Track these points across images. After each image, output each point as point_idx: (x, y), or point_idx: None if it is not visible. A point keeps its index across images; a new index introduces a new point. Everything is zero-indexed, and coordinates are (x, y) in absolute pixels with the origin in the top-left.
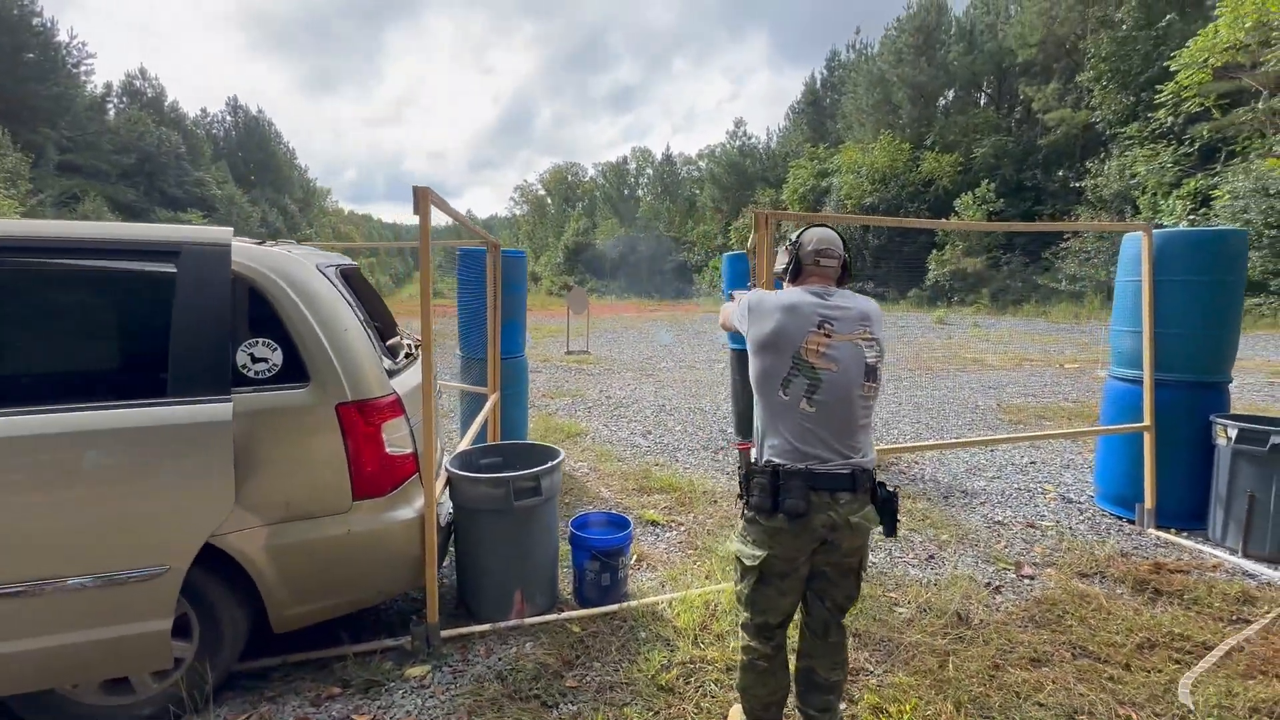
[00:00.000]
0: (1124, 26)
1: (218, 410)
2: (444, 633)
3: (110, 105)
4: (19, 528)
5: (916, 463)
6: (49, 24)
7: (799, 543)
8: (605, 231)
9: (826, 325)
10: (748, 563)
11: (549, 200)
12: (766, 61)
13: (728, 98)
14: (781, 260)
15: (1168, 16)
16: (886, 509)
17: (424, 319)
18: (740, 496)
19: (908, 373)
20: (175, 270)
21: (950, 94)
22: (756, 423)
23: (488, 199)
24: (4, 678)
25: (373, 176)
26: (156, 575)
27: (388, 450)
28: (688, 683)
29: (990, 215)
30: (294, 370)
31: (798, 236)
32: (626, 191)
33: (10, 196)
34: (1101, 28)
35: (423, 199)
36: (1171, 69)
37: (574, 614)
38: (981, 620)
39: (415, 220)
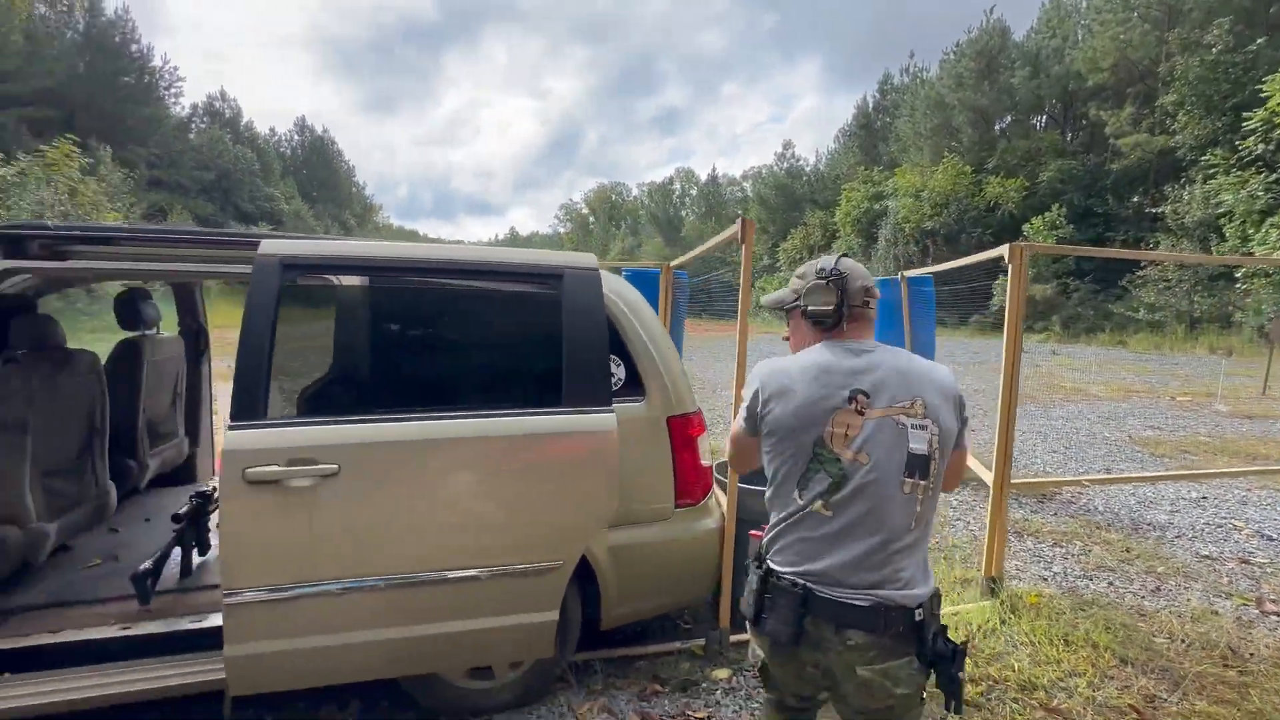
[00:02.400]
0: (1214, 50)
1: (606, 420)
2: (732, 638)
3: (193, 125)
4: (456, 519)
5: (1081, 494)
6: (145, 50)
7: (785, 674)
8: (651, 251)
9: (860, 398)
10: (757, 651)
11: (593, 219)
12: (814, 86)
13: (770, 120)
14: (817, 300)
15: (1258, 41)
16: (941, 670)
17: (740, 345)
18: None
19: None
20: (559, 292)
21: (1008, 118)
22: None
23: (529, 218)
24: (431, 656)
25: (421, 194)
26: (555, 568)
27: (701, 461)
28: (988, 698)
29: (1059, 241)
30: (634, 384)
31: (832, 265)
32: (671, 211)
33: (115, 210)
34: (1185, 52)
35: (748, 229)
36: (1263, 94)
37: None
38: (1253, 654)
39: (455, 236)
